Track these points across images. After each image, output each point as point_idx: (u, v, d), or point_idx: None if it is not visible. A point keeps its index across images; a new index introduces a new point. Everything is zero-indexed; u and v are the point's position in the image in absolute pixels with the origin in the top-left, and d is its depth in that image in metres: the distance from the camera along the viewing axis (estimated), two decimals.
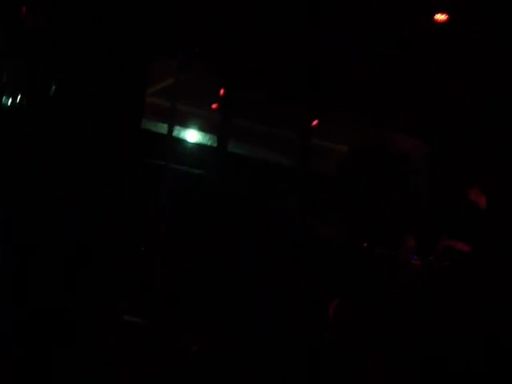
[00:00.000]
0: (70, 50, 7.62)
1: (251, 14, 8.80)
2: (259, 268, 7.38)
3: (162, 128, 8.35)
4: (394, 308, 7.24)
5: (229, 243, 7.62)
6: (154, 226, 7.49)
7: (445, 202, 8.84)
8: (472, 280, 7.21)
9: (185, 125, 9.26)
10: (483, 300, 7.06)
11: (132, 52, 7.96)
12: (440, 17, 8.79)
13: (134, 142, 7.87)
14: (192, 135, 9.35)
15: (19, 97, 7.52)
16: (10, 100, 7.52)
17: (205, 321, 6.78)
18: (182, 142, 9.08)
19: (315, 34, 9.05)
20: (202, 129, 9.44)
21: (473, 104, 9.25)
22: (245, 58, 9.20)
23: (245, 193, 8.62)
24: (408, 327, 7.17)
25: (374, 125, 9.78)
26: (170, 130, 8.07)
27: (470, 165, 8.90)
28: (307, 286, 7.32)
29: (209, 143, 9.37)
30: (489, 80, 8.99)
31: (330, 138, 10.06)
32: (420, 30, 8.92)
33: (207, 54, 8.87)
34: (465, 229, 7.08)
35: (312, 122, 9.99)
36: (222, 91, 9.69)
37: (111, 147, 7.53)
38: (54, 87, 7.58)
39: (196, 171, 8.67)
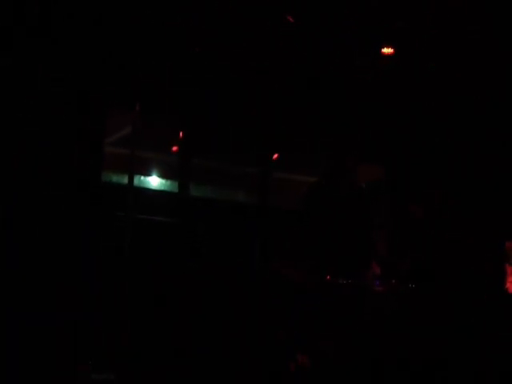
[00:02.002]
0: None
1: None
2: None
3: (123, 178, 8.43)
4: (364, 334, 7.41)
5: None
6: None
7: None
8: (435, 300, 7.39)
9: (146, 172, 9.35)
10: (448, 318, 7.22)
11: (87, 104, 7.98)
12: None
13: (95, 196, 7.92)
14: (154, 182, 9.44)
15: None
16: None
17: None
18: (144, 190, 9.16)
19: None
20: (163, 174, 9.52)
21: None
22: None
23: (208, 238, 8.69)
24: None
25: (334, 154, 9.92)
26: (131, 179, 8.16)
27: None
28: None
29: (171, 189, 9.45)
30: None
31: (291, 170, 10.18)
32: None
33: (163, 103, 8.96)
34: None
35: (273, 156, 10.10)
36: (181, 134, 9.79)
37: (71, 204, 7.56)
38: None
39: (159, 219, 8.76)
